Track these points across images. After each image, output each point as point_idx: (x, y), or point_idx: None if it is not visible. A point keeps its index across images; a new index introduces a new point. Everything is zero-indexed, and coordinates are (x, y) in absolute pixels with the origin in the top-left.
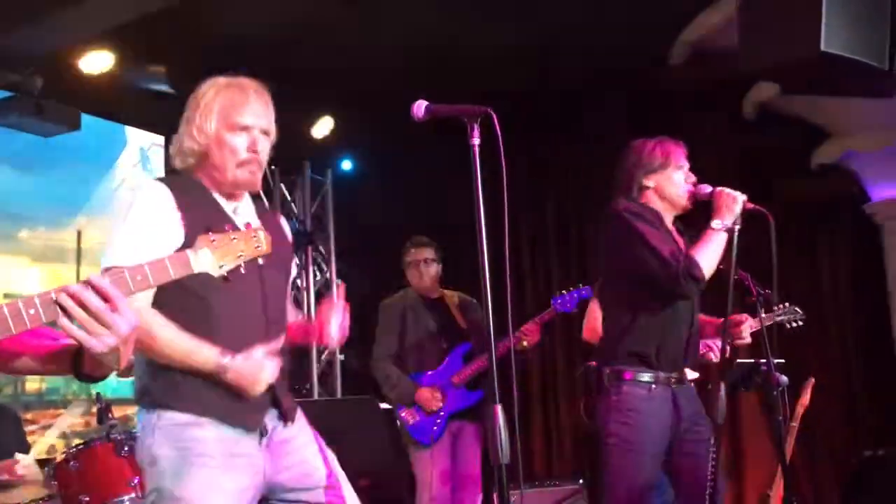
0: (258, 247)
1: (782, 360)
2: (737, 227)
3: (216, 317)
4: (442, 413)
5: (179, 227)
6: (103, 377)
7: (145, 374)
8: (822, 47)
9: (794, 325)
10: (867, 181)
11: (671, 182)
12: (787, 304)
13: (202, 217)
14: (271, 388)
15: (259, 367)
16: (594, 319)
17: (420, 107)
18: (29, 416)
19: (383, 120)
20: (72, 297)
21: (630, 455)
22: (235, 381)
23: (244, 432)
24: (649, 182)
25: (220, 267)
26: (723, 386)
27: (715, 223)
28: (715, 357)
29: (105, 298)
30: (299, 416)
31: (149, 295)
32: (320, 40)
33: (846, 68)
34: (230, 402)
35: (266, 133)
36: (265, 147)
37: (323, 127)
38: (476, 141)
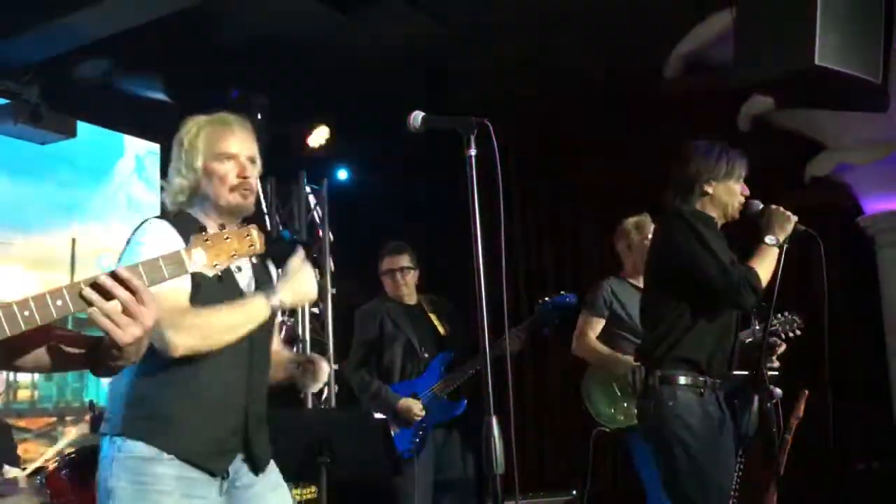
0: (252, 246)
1: (776, 372)
2: (785, 246)
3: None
4: (424, 424)
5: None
6: (118, 370)
7: (119, 401)
8: (816, 61)
9: (793, 334)
10: (860, 194)
11: (730, 192)
12: (785, 314)
13: None
14: (244, 433)
15: (305, 275)
16: (584, 335)
17: (416, 118)
18: (21, 423)
19: (379, 129)
20: (101, 286)
21: (700, 457)
22: (294, 301)
23: (205, 476)
24: (710, 188)
25: (214, 266)
26: (756, 399)
27: (769, 239)
28: None
29: (132, 291)
30: (271, 466)
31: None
32: (316, 50)
33: (840, 82)
34: (198, 444)
35: (252, 161)
36: (254, 173)
37: (319, 136)
38: (472, 151)
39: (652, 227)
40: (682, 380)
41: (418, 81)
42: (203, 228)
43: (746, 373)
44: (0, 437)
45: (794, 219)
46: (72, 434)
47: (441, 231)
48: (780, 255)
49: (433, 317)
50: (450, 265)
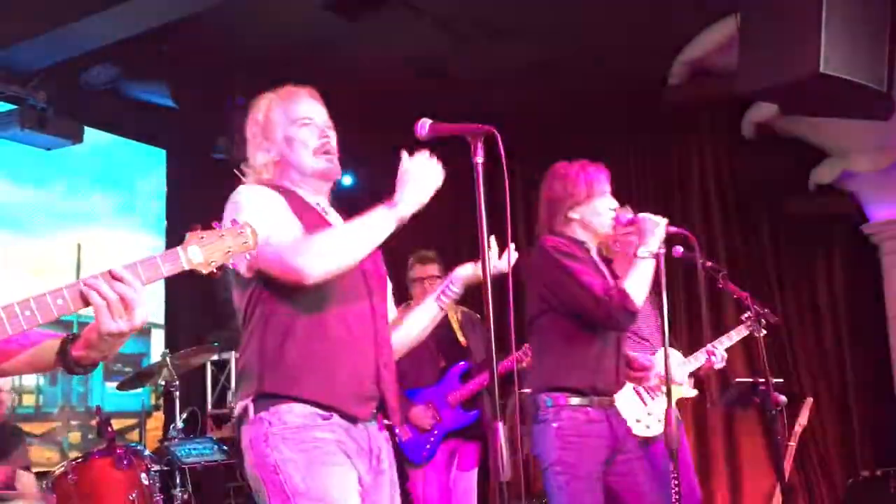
0: (245, 242)
1: (781, 380)
2: (662, 252)
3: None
4: (436, 432)
5: (293, 211)
6: (91, 368)
7: (254, 372)
8: (821, 69)
9: (761, 333)
10: (865, 201)
11: (595, 212)
12: (749, 314)
13: (300, 211)
14: (377, 380)
15: (418, 175)
16: None
17: (423, 125)
18: (26, 428)
19: (384, 135)
20: (99, 283)
21: (578, 481)
22: (414, 204)
23: (356, 431)
24: (574, 214)
25: (210, 263)
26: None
27: (641, 251)
28: (717, 363)
29: (130, 287)
30: (390, 450)
31: None
32: (322, 55)
33: (844, 90)
34: (343, 390)
35: (329, 126)
36: (333, 137)
37: None
38: (479, 159)
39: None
40: (567, 400)
41: (423, 88)
42: (295, 195)
43: (751, 380)
44: (14, 442)
45: (664, 222)
46: (77, 438)
47: (447, 237)
48: (658, 261)
49: (456, 327)
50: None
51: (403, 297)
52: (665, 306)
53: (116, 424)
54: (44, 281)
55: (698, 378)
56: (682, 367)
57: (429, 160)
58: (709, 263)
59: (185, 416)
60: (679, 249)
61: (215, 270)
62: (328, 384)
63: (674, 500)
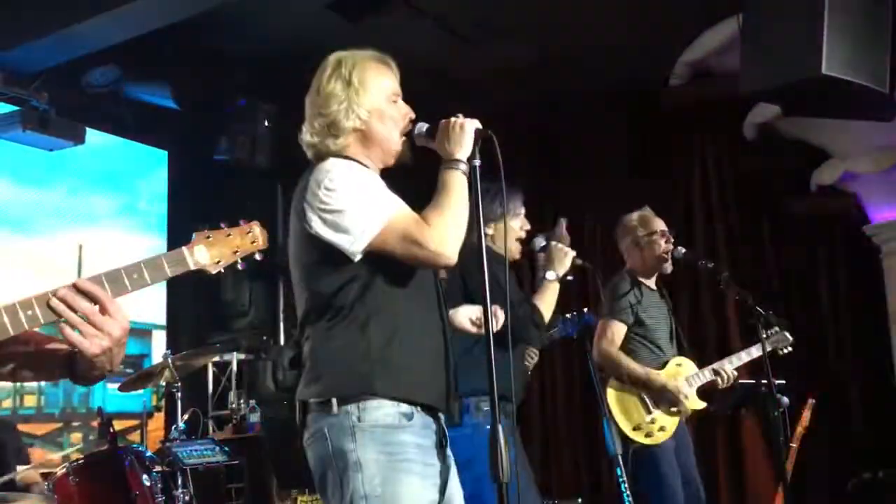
0: (254, 242)
1: (783, 382)
2: (568, 278)
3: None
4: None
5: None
6: (97, 380)
7: (340, 365)
8: (823, 70)
9: (784, 350)
10: (866, 202)
11: (509, 231)
12: (776, 329)
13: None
14: (447, 379)
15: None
16: (612, 345)
17: (421, 128)
18: (27, 429)
19: None
20: (61, 300)
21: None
22: (465, 152)
23: (430, 436)
24: (489, 230)
25: (217, 263)
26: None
27: (549, 275)
28: (722, 383)
29: (94, 301)
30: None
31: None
32: (323, 56)
33: (847, 91)
34: (431, 388)
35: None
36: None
37: None
38: (477, 162)
39: (657, 221)
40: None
41: (424, 89)
42: (373, 173)
43: (753, 381)
44: (8, 438)
45: (572, 254)
46: (78, 440)
47: None
48: (561, 286)
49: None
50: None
51: None
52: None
53: (118, 425)
54: (45, 281)
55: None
56: (687, 384)
57: (461, 117)
58: (710, 265)
59: (186, 417)
60: (682, 250)
61: (222, 270)
62: (422, 387)
63: None
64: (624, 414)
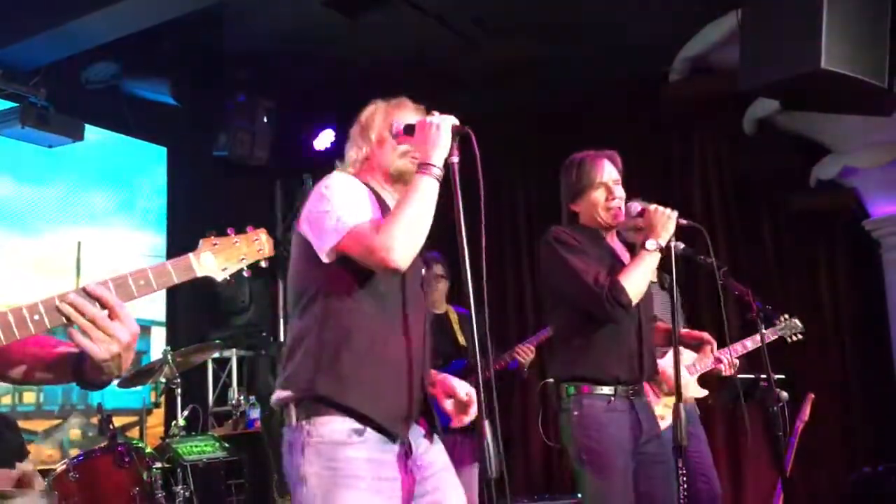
0: (260, 250)
1: (782, 376)
2: (673, 244)
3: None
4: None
5: (375, 206)
6: (105, 384)
7: (301, 377)
8: (823, 65)
9: (794, 338)
10: (866, 197)
11: (592, 203)
12: (786, 317)
13: (380, 206)
14: (424, 396)
15: (436, 125)
16: None
17: (398, 126)
18: (27, 425)
19: None
20: (70, 304)
21: (603, 469)
22: (441, 157)
23: (391, 449)
24: (575, 207)
25: (223, 270)
26: (682, 408)
27: (649, 244)
28: (725, 370)
29: (103, 305)
30: (439, 445)
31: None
32: (322, 53)
33: (846, 86)
34: (387, 407)
35: None
36: None
37: (324, 139)
38: (455, 158)
39: None
40: (589, 388)
41: (423, 85)
42: (373, 191)
43: (752, 376)
44: (8, 434)
45: (674, 214)
46: (78, 436)
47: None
48: (670, 254)
49: (456, 327)
50: (453, 268)
51: None
52: (677, 301)
53: (117, 422)
54: (44, 279)
55: (702, 377)
56: (688, 369)
57: (437, 115)
58: (709, 260)
59: (186, 413)
60: (680, 245)
61: (229, 278)
62: (374, 399)
63: (682, 498)
64: None
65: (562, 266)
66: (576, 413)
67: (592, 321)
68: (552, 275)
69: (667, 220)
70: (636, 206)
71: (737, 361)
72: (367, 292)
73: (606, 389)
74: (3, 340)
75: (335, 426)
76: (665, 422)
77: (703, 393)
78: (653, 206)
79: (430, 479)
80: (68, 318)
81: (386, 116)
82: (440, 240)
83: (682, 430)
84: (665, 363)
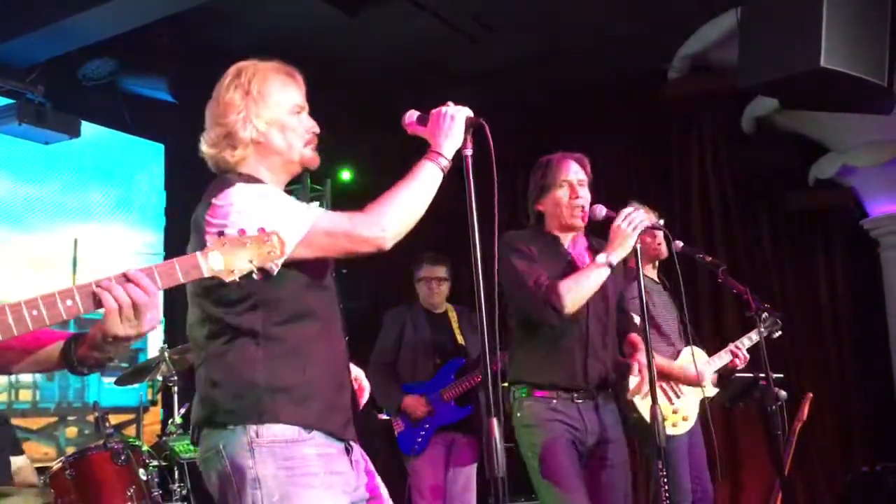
0: (271, 252)
1: (781, 375)
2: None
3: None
4: (427, 425)
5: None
6: (94, 368)
7: (225, 393)
8: (822, 63)
9: (776, 335)
10: (865, 196)
11: (555, 202)
12: (765, 315)
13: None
14: (353, 399)
15: (450, 115)
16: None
17: (411, 116)
18: (23, 423)
19: (382, 130)
20: (113, 286)
21: (549, 467)
22: (452, 147)
23: (339, 447)
24: (540, 206)
25: (231, 271)
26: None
27: (599, 258)
28: (741, 363)
29: (145, 291)
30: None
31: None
32: (321, 49)
33: (845, 84)
34: (333, 414)
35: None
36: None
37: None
38: (469, 151)
39: (653, 215)
40: (534, 392)
41: (423, 82)
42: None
43: (751, 375)
44: (3, 431)
45: (636, 234)
46: (74, 434)
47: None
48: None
49: (455, 326)
50: (455, 266)
51: (404, 297)
52: (646, 319)
53: (114, 420)
54: (41, 276)
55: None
56: (707, 366)
57: (451, 106)
58: (708, 258)
59: (183, 411)
60: (679, 244)
61: (237, 279)
62: (322, 411)
63: (663, 500)
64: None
65: (508, 268)
66: (518, 415)
67: (535, 326)
68: (502, 277)
69: (625, 239)
70: (602, 209)
71: (748, 355)
72: (309, 307)
73: (547, 394)
74: (31, 326)
75: (283, 425)
76: (688, 423)
77: (717, 391)
78: (620, 219)
79: (362, 474)
80: (106, 298)
81: (282, 93)
82: (441, 237)
83: (661, 432)
84: (680, 361)
